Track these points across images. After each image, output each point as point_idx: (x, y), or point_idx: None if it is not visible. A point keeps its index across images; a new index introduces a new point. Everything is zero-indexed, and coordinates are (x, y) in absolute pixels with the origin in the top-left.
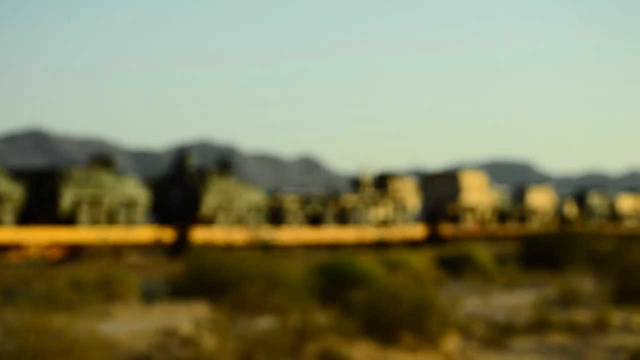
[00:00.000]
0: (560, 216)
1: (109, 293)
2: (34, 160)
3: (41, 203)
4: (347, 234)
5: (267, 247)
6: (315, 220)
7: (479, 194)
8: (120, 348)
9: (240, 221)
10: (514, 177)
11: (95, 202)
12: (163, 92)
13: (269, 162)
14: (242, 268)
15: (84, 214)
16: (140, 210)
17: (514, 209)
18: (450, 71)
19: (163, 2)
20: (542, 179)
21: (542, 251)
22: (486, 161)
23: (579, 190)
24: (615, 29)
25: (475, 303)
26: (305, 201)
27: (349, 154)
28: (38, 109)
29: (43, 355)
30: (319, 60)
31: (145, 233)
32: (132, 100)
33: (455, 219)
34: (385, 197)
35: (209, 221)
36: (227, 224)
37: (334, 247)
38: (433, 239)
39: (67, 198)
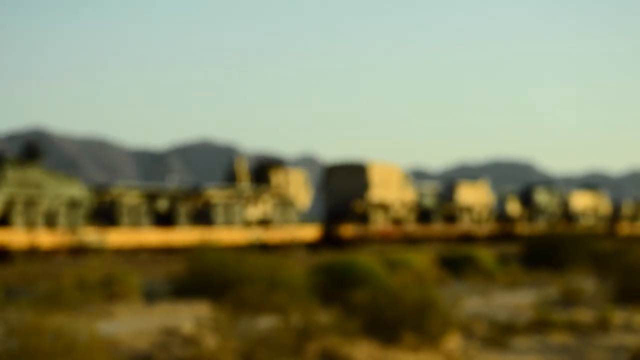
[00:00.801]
0: (501, 215)
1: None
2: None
3: None
4: (207, 234)
5: (85, 251)
6: (164, 219)
7: (393, 190)
8: (121, 347)
9: (50, 220)
10: (516, 178)
11: (31, 203)
12: (163, 92)
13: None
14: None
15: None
16: (82, 213)
17: (442, 207)
18: (451, 71)
19: (163, 1)
20: (543, 179)
21: (542, 251)
22: (487, 161)
23: (524, 186)
24: (616, 28)
25: (476, 303)
26: (150, 197)
27: (349, 154)
28: (38, 109)
29: (44, 355)
30: (319, 60)
31: None
32: (132, 100)
33: (363, 218)
34: (267, 191)
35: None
36: (29, 223)
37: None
38: (329, 241)
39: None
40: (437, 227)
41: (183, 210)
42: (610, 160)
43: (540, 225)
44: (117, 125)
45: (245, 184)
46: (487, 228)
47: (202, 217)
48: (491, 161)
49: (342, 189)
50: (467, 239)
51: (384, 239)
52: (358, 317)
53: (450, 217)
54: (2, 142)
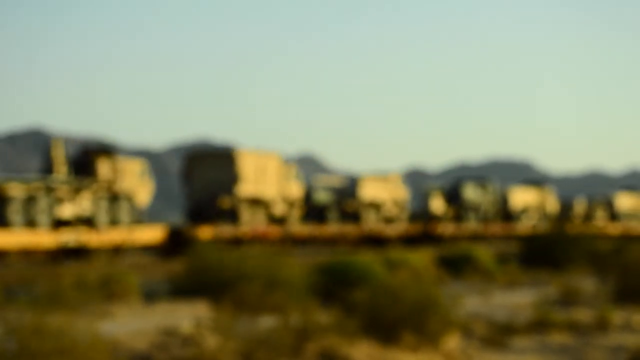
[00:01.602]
0: (423, 213)
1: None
2: (34, 160)
3: None
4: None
5: None
6: None
7: (271, 183)
8: (120, 347)
9: None
10: (514, 177)
11: None
12: (163, 92)
13: None
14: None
15: None
16: None
17: (342, 204)
18: (450, 70)
19: (163, 1)
20: (542, 179)
21: (541, 251)
22: (487, 161)
23: (452, 181)
24: (616, 28)
25: (475, 302)
26: None
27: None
28: (38, 109)
29: (44, 355)
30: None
31: None
32: (132, 100)
33: (232, 215)
34: (90, 184)
35: None
36: None
37: None
38: (179, 245)
39: None
40: (332, 227)
41: None
42: (610, 159)
43: (470, 225)
44: (117, 125)
45: (60, 174)
46: (399, 228)
47: None
48: (490, 160)
49: (206, 182)
50: (374, 240)
51: (259, 241)
52: (357, 317)
53: (354, 216)
54: (1, 141)
